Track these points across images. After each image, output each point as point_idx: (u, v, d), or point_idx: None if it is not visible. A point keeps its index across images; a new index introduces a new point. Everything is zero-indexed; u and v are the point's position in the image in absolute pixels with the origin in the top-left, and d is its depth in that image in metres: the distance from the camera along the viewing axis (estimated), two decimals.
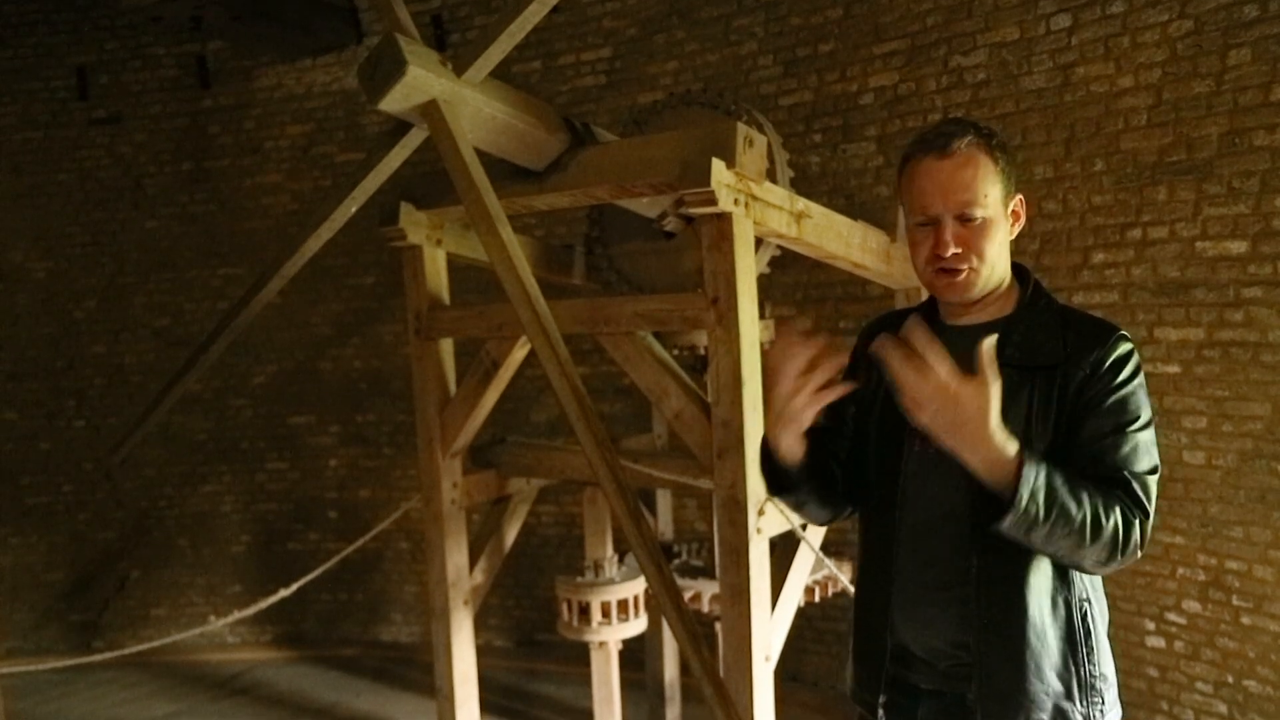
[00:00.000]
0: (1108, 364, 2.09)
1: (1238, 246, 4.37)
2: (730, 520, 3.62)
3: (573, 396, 3.05)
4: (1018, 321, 2.18)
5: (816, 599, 4.70)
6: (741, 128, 3.45)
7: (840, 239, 4.21)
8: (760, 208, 3.60)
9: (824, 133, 5.86)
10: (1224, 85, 4.36)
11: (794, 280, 6.02)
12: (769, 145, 3.90)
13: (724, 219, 3.47)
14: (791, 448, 2.18)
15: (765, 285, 4.57)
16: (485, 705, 4.94)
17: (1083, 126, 4.87)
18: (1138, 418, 2.09)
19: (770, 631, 3.75)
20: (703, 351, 4.65)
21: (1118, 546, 2.00)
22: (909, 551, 2.24)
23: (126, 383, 7.70)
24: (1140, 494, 2.04)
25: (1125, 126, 4.72)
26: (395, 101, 3.23)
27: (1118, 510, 1.99)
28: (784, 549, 4.03)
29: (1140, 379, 2.12)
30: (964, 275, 2.15)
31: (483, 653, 4.97)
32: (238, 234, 7.61)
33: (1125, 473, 2.04)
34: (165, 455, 7.67)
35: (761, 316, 4.20)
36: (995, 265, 2.16)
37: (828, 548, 4.83)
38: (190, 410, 7.61)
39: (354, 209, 3.84)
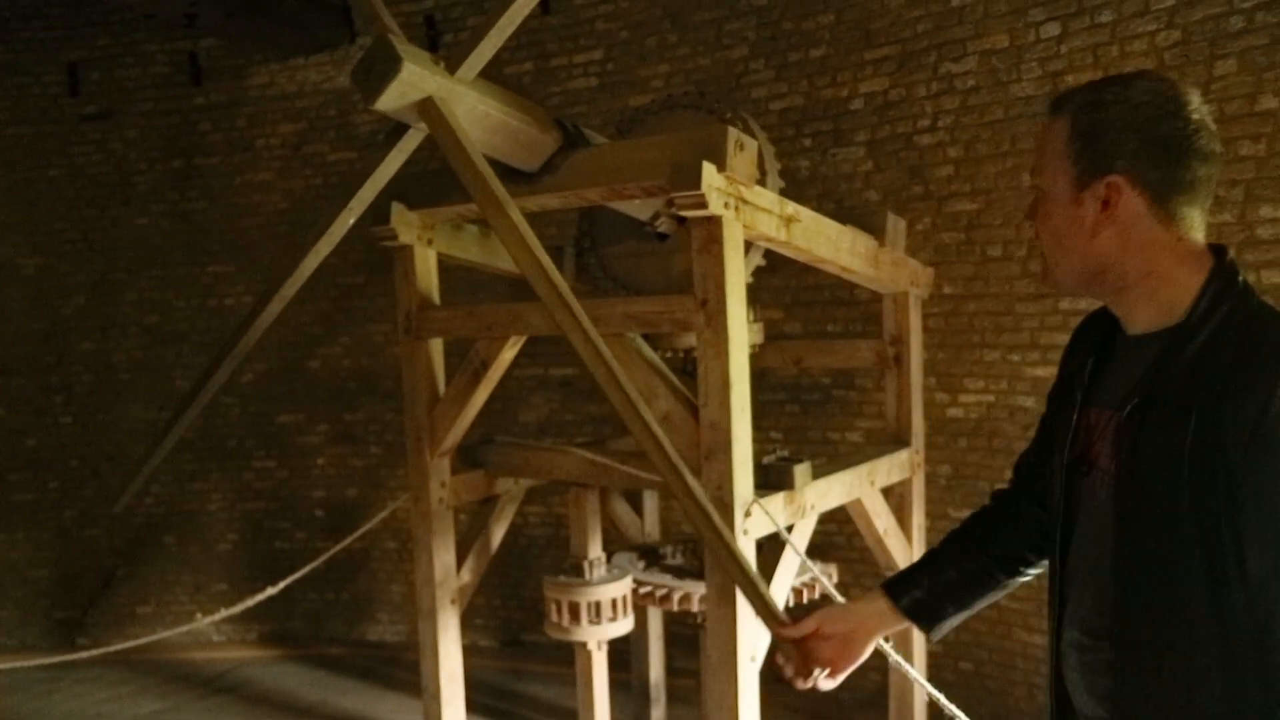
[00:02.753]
0: (1271, 432, 1.53)
1: None
2: None
3: (599, 359, 3.01)
4: (1187, 333, 1.68)
5: (804, 600, 4.72)
6: (732, 132, 3.47)
7: (829, 243, 4.23)
8: (750, 211, 3.62)
9: (814, 137, 5.89)
10: (1210, 95, 4.39)
11: (783, 284, 6.05)
12: (759, 149, 3.92)
13: (714, 222, 3.49)
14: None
15: (754, 288, 4.60)
16: (471, 705, 4.95)
17: None
18: None
19: (756, 632, 3.77)
20: (684, 354, 4.67)
21: None
22: (1072, 603, 1.91)
23: (115, 379, 7.70)
24: None
25: None
26: (391, 100, 3.24)
27: None
28: (770, 551, 4.04)
29: None
30: (1043, 256, 1.89)
31: (469, 653, 4.98)
32: (228, 232, 7.62)
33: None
34: (152, 452, 7.65)
35: (750, 319, 4.22)
36: (1064, 253, 1.81)
37: (813, 551, 4.85)
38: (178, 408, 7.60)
39: (352, 220, 3.81)
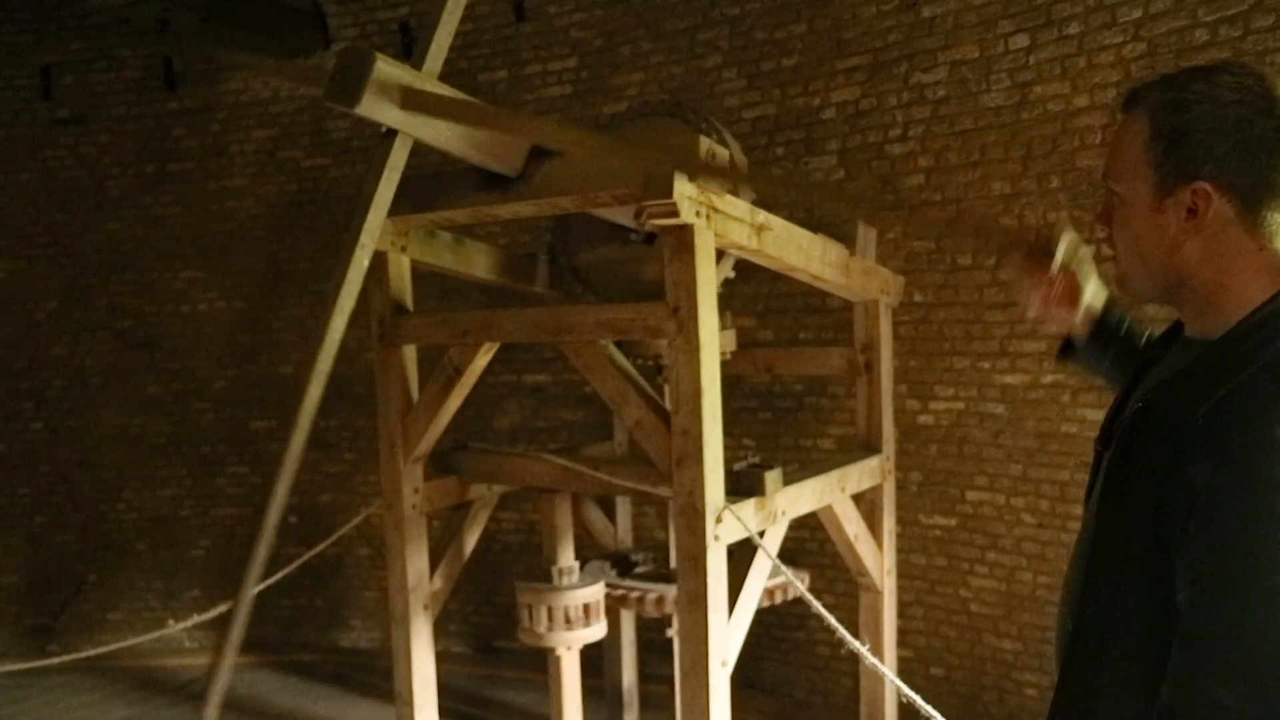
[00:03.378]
0: (1236, 462, 1.42)
1: None
2: (688, 527, 3.67)
3: None
4: (1218, 351, 1.57)
5: (777, 601, 4.75)
6: (704, 141, 3.51)
7: (800, 251, 4.27)
8: (722, 220, 3.65)
9: (786, 146, 5.93)
10: None
11: (754, 291, 6.08)
12: (732, 158, 3.95)
13: (686, 230, 3.52)
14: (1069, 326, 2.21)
15: (726, 296, 4.63)
16: (444, 711, 4.95)
17: (1039, 144, 4.96)
18: (1240, 578, 1.41)
19: (727, 637, 3.80)
20: (657, 361, 4.71)
21: None
22: (1067, 583, 1.88)
23: (86, 385, 7.65)
24: None
25: (1080, 144, 4.82)
26: (373, 97, 3.24)
27: None
28: (741, 556, 4.07)
29: None
30: (1116, 263, 1.75)
31: (442, 659, 4.98)
32: (201, 237, 7.59)
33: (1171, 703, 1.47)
34: (124, 458, 7.63)
35: (722, 327, 4.25)
36: (1141, 263, 1.68)
37: (785, 557, 4.88)
38: (151, 413, 7.58)
39: (368, 260, 3.70)
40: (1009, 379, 5.19)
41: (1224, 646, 1.41)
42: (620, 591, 4.76)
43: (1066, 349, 2.29)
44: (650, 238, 4.42)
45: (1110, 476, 1.67)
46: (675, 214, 3.41)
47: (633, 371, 3.98)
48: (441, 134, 3.43)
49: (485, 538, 5.43)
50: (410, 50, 6.82)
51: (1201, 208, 1.57)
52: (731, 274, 4.67)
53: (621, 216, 4.28)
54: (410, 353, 4.68)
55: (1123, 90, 1.74)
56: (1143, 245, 1.66)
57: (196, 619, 5.30)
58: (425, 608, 4.71)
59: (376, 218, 3.51)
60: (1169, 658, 1.48)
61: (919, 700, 3.57)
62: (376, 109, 3.30)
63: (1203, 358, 1.58)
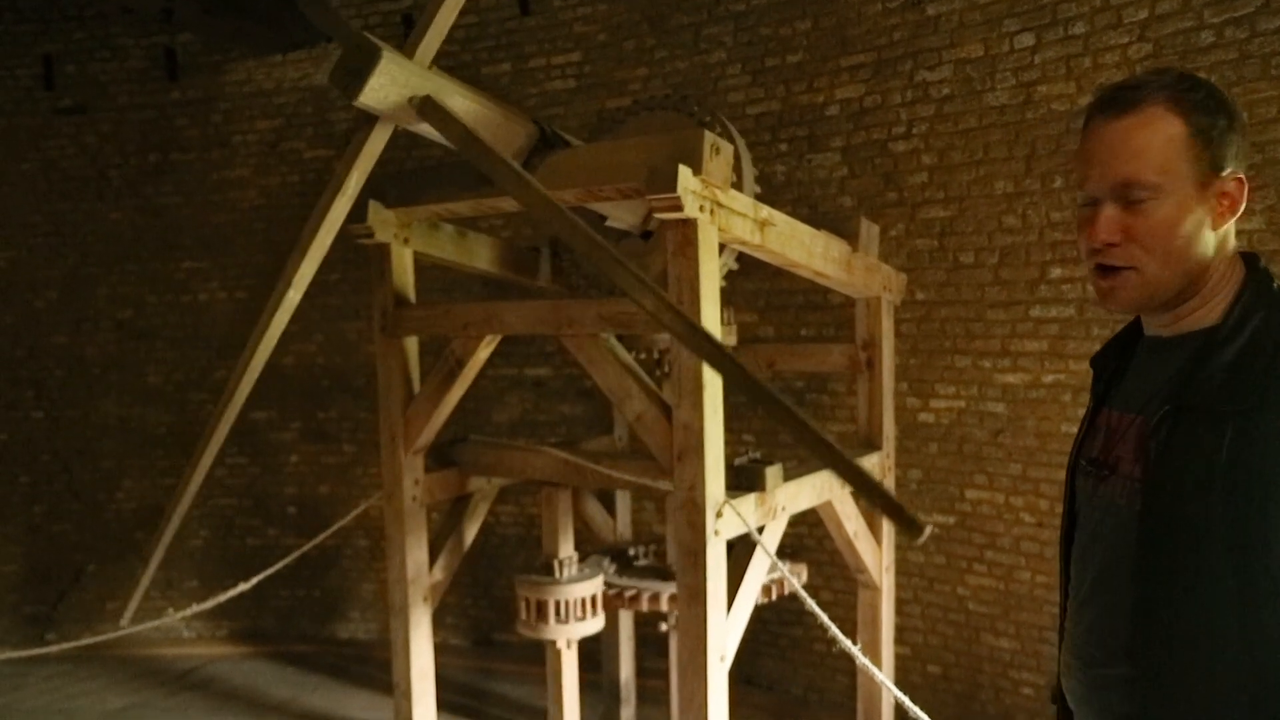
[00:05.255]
0: None
1: None
2: (688, 522, 3.67)
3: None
4: (1223, 338, 1.60)
5: (774, 597, 4.75)
6: (709, 135, 3.50)
7: (803, 248, 4.27)
8: (725, 215, 3.65)
9: (790, 142, 5.93)
10: None
11: (756, 287, 6.08)
12: (736, 154, 3.95)
13: (689, 225, 3.52)
14: None
15: (728, 291, 4.63)
16: (441, 703, 4.96)
17: (1043, 144, 4.96)
18: None
19: (726, 632, 3.80)
20: (658, 354, 4.71)
21: None
22: (1075, 616, 1.83)
23: (87, 374, 7.65)
24: None
25: None
26: (388, 53, 3.24)
27: None
28: (741, 551, 4.08)
29: None
30: (1124, 277, 1.67)
31: (440, 651, 4.99)
32: (203, 227, 7.59)
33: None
34: (123, 448, 7.63)
35: (724, 322, 4.25)
36: (1176, 263, 1.64)
37: (784, 552, 4.89)
38: (150, 404, 7.58)
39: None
40: (1010, 378, 5.19)
41: None
42: (616, 590, 4.77)
43: None
44: (646, 234, 4.43)
45: (1156, 492, 1.61)
46: (679, 208, 3.41)
47: (635, 365, 3.98)
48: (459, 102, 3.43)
49: (484, 531, 5.44)
50: None
51: (1239, 196, 1.64)
52: (734, 266, 4.67)
53: (618, 216, 4.29)
54: (412, 345, 4.68)
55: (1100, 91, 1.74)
56: (1176, 242, 1.62)
57: (195, 608, 5.31)
58: (424, 599, 4.72)
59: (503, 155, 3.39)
60: (1272, 644, 1.50)
61: (907, 701, 3.58)
62: (396, 67, 3.23)
63: (1211, 349, 1.61)
